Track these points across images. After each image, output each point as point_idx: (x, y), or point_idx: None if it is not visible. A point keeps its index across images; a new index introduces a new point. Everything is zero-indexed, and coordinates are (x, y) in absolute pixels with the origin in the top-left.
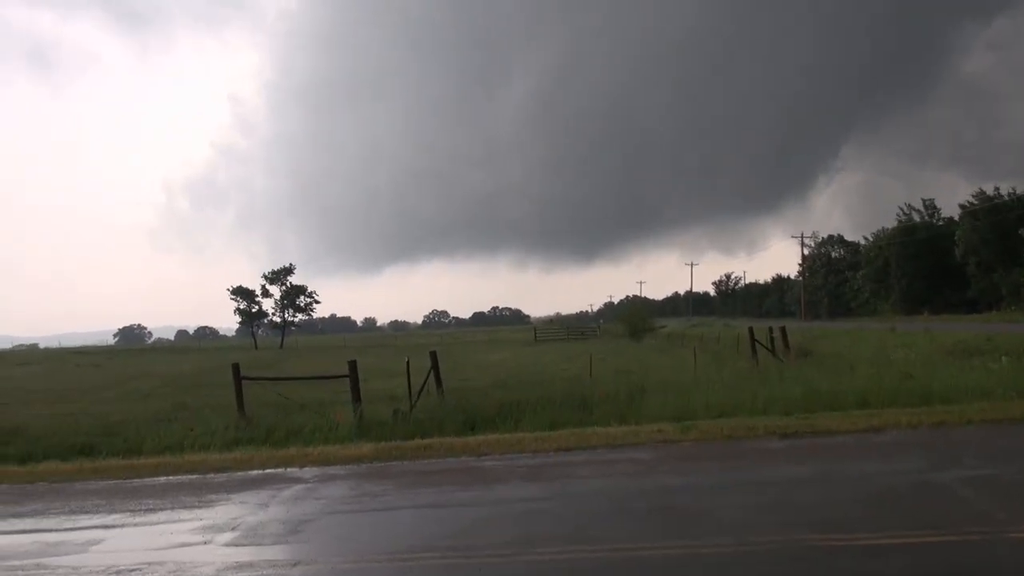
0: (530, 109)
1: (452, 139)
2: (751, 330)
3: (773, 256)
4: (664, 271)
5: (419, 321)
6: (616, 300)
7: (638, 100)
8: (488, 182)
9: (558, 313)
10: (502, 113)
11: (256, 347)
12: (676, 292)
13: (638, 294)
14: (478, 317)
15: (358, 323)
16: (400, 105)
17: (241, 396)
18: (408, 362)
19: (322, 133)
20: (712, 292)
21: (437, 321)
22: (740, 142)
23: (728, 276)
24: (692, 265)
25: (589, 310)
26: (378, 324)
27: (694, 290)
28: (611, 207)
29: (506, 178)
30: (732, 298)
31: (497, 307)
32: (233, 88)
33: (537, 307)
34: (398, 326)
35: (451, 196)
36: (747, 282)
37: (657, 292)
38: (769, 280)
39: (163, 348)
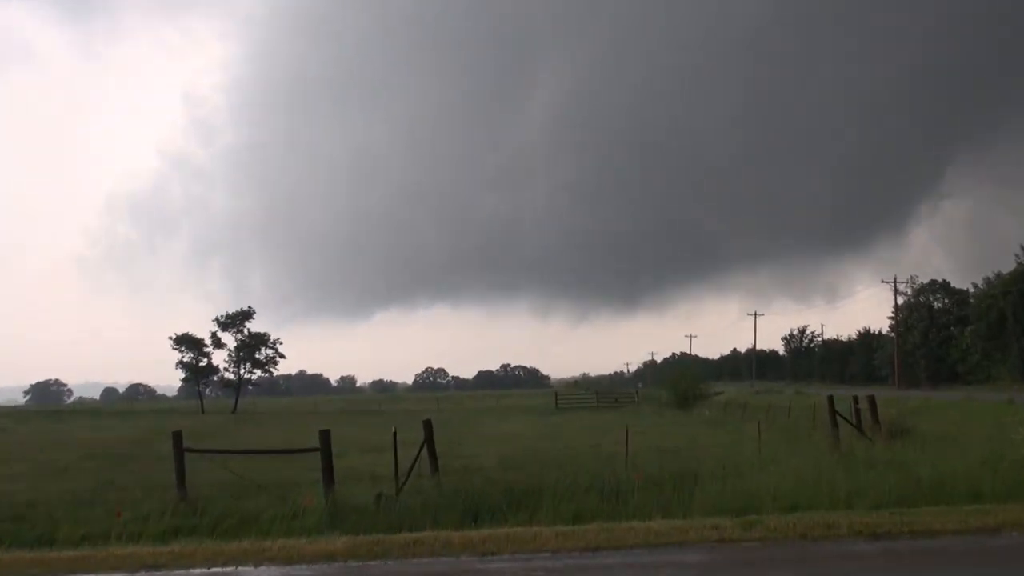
0: (559, 120)
1: (463, 154)
2: (831, 399)
3: (859, 306)
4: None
5: (409, 381)
6: (659, 359)
7: (692, 111)
8: (505, 208)
9: (585, 374)
10: (525, 124)
11: (203, 411)
12: (735, 350)
13: (687, 352)
14: (484, 378)
15: (333, 382)
16: (399, 111)
17: (183, 473)
18: (395, 433)
19: (301, 143)
20: (781, 350)
21: (432, 382)
22: (819, 162)
23: (801, 331)
24: (756, 316)
25: (625, 371)
26: (358, 384)
27: (758, 347)
28: (655, 243)
29: (528, 204)
30: (806, 358)
31: (509, 365)
32: (192, 86)
33: (560, 366)
34: (383, 387)
35: (460, 224)
36: (825, 338)
37: (711, 349)
38: (854, 336)
39: (86, 410)
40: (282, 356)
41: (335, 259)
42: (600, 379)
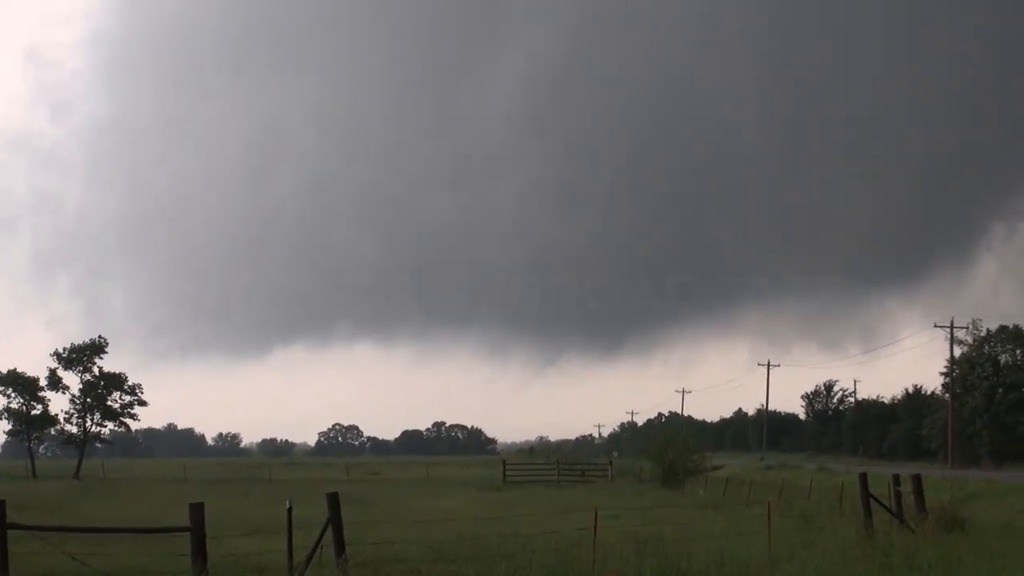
0: (530, 105)
1: (401, 141)
2: (863, 478)
3: (904, 357)
4: (723, 375)
5: (311, 442)
6: (642, 419)
7: (699, 99)
8: (455, 214)
9: (543, 439)
10: (487, 106)
11: (35, 474)
12: (741, 411)
13: (678, 411)
14: (411, 440)
15: (210, 440)
16: (319, 80)
17: (5, 557)
18: (290, 509)
19: (186, 121)
20: (800, 413)
21: (342, 443)
22: (861, 171)
23: (828, 387)
24: (769, 367)
25: (596, 434)
26: (243, 444)
27: (771, 408)
28: (649, 266)
29: (487, 209)
30: (834, 423)
31: (443, 424)
32: (38, 40)
33: (511, 427)
34: (276, 448)
35: (393, 235)
36: (859, 398)
37: (710, 409)
38: (896, 396)
39: None
40: (143, 404)
41: (227, 274)
42: (563, 445)
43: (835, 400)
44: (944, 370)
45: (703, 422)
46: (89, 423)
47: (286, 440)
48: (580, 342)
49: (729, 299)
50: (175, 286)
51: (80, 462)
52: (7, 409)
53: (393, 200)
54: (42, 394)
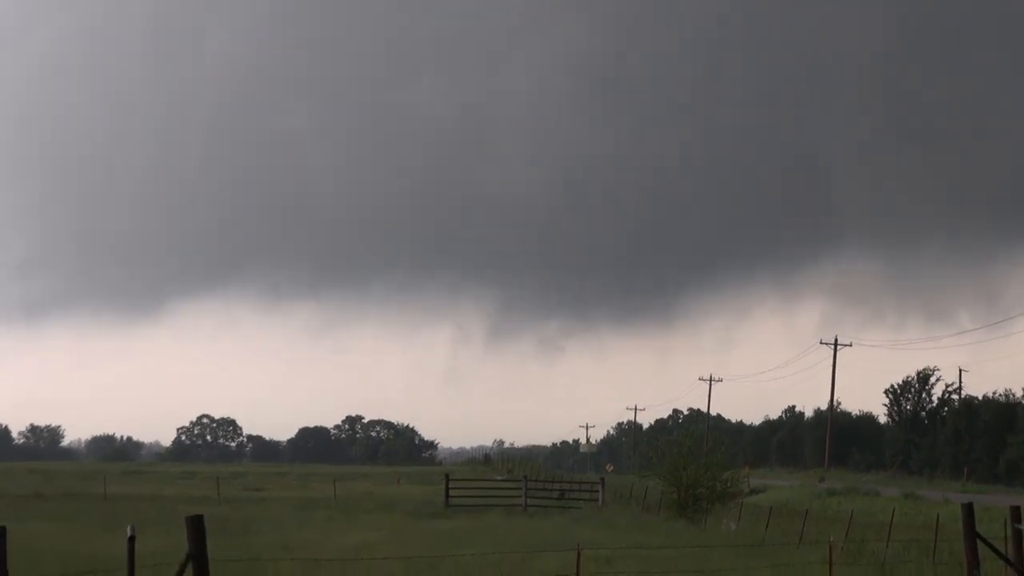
0: None
1: None
2: (968, 511)
3: None
4: (767, 357)
5: (166, 442)
6: (649, 418)
7: None
8: (425, 103)
9: (503, 443)
10: None
11: None
12: (793, 409)
13: (701, 408)
14: (311, 441)
15: (16, 436)
16: None
17: None
18: (132, 539)
19: None
20: (882, 413)
21: (211, 444)
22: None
23: (922, 378)
24: (837, 346)
25: (583, 438)
26: (66, 442)
27: (838, 406)
28: (696, 197)
29: (474, 97)
30: (928, 430)
31: (359, 421)
32: None
33: (458, 424)
34: (115, 450)
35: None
36: (967, 394)
37: (748, 407)
38: (1019, 394)
39: None
40: None
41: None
42: (533, 453)
43: (932, 397)
44: None
45: (739, 424)
46: None
47: (128, 438)
48: (576, 306)
49: (798, 247)
50: None
51: None
52: None
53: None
54: None
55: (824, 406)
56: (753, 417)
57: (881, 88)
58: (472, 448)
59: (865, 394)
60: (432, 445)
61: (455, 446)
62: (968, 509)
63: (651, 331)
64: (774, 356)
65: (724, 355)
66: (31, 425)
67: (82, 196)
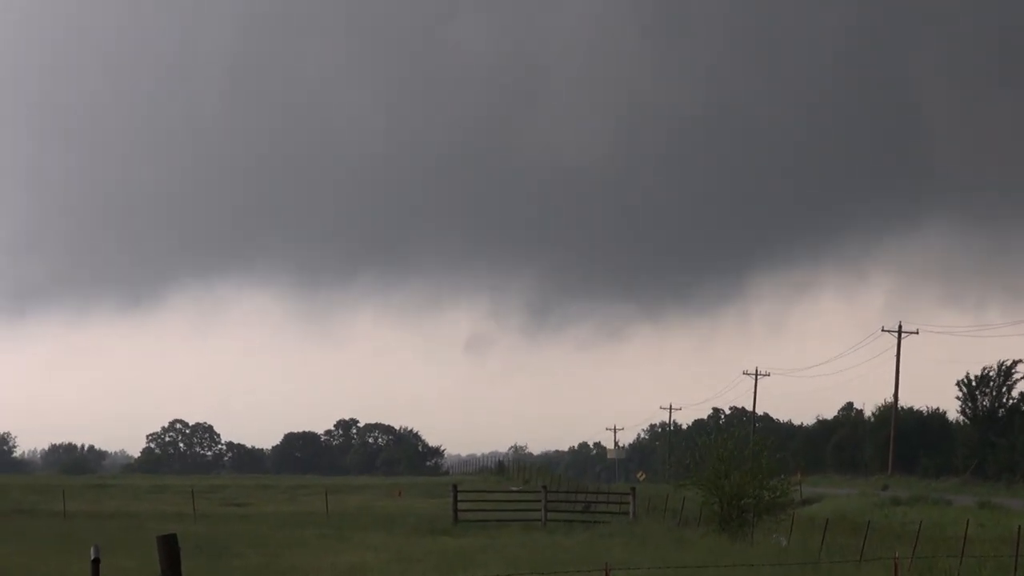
0: None
1: None
2: None
3: None
4: (821, 348)
5: (134, 451)
6: (685, 420)
7: None
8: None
9: (519, 448)
10: None
11: None
12: (851, 407)
13: (746, 407)
14: (299, 448)
15: None
16: None
17: None
18: (97, 560)
19: None
20: (954, 411)
21: (186, 453)
22: None
23: (1003, 370)
24: (901, 334)
25: (611, 442)
26: (19, 452)
27: (904, 403)
28: (768, 153)
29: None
30: (1008, 428)
31: (355, 425)
32: None
33: (468, 428)
34: (75, 460)
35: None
36: None
37: (800, 405)
38: None
39: None
40: None
41: None
42: (553, 460)
43: (1014, 392)
44: None
45: (789, 425)
46: None
47: (91, 447)
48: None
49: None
50: None
51: None
52: None
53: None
54: None
55: (887, 403)
56: (806, 417)
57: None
58: (483, 455)
59: (936, 389)
60: (438, 452)
61: (464, 453)
62: None
63: (690, 319)
64: (829, 347)
65: (774, 346)
66: None
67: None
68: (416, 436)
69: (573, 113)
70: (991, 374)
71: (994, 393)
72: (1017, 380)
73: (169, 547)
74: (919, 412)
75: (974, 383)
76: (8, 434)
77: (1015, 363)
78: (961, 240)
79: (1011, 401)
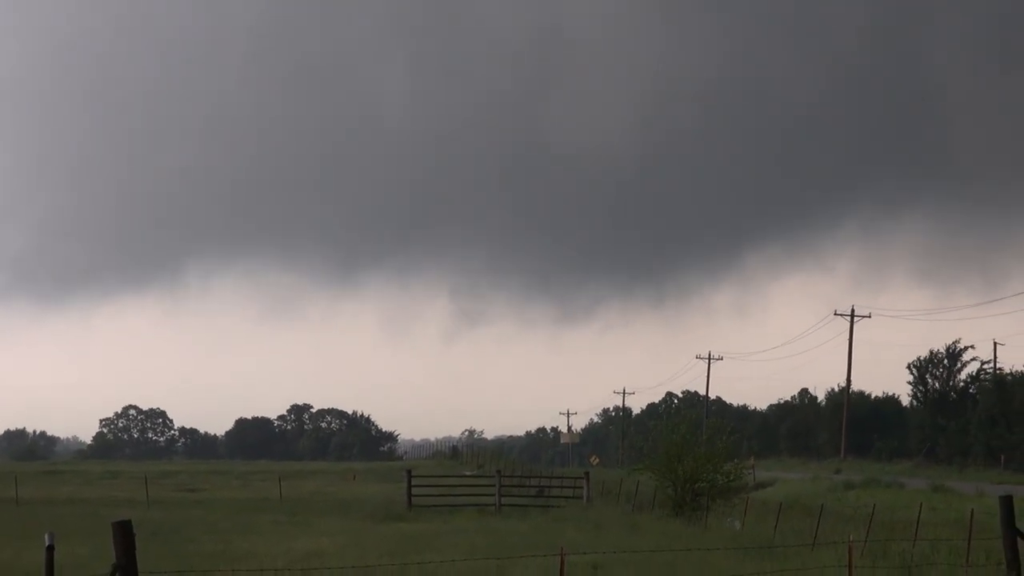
0: None
1: None
2: (1007, 505)
3: None
4: (773, 332)
5: (86, 437)
6: (641, 402)
7: None
8: None
9: (473, 432)
10: None
11: None
12: (805, 392)
13: (699, 391)
14: (252, 434)
15: None
16: None
17: None
18: (51, 547)
19: None
20: (906, 394)
21: (139, 439)
22: None
23: (952, 353)
24: (853, 317)
25: (564, 426)
26: None
27: (857, 387)
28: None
29: None
30: (960, 413)
31: (307, 410)
32: None
33: (421, 413)
34: (27, 446)
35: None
36: (1007, 370)
37: (752, 388)
38: None
39: None
40: None
41: None
42: (507, 445)
43: (963, 375)
44: None
45: (743, 409)
46: None
47: (43, 433)
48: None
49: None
50: None
51: None
52: None
53: None
54: None
55: (839, 387)
56: (758, 401)
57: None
58: (437, 440)
59: (892, 373)
60: (391, 437)
61: (417, 438)
62: (1007, 503)
63: (646, 298)
64: (782, 330)
65: (724, 332)
66: None
67: None
68: (369, 421)
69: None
70: (940, 357)
71: (944, 376)
72: (967, 363)
73: (124, 533)
74: (872, 396)
75: (923, 367)
76: (47, 435)
77: (965, 347)
78: (928, 223)
79: (959, 384)
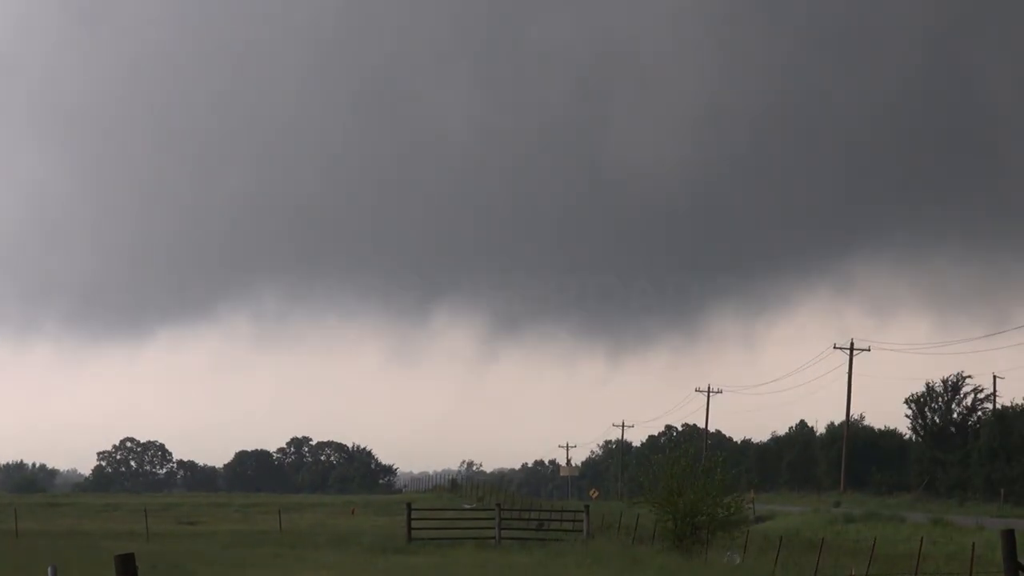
0: None
1: None
2: (1008, 539)
3: None
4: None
5: (85, 470)
6: (641, 435)
7: None
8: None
9: (473, 465)
10: None
11: None
12: (804, 424)
13: (698, 423)
14: (252, 466)
15: None
16: None
17: None
18: None
19: None
20: (905, 426)
21: (137, 472)
22: None
23: (952, 385)
24: (853, 351)
25: (563, 460)
26: None
27: (858, 419)
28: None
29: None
30: (960, 446)
31: (307, 443)
32: None
33: (421, 446)
34: (25, 479)
35: None
36: (1007, 403)
37: (752, 420)
38: None
39: None
40: None
41: None
42: (507, 478)
43: (963, 407)
44: None
45: (743, 443)
46: None
47: (41, 466)
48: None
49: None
50: None
51: None
52: None
53: None
54: None
55: (839, 421)
56: (759, 434)
57: None
58: (436, 473)
59: (889, 406)
60: (391, 470)
61: (416, 470)
62: (1009, 536)
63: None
64: (781, 364)
65: (723, 365)
66: None
67: None
68: (369, 454)
69: None
70: (938, 390)
71: (942, 409)
72: (966, 395)
73: (126, 566)
74: (871, 429)
75: (922, 400)
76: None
77: (965, 377)
78: (929, 254)
79: (958, 417)
